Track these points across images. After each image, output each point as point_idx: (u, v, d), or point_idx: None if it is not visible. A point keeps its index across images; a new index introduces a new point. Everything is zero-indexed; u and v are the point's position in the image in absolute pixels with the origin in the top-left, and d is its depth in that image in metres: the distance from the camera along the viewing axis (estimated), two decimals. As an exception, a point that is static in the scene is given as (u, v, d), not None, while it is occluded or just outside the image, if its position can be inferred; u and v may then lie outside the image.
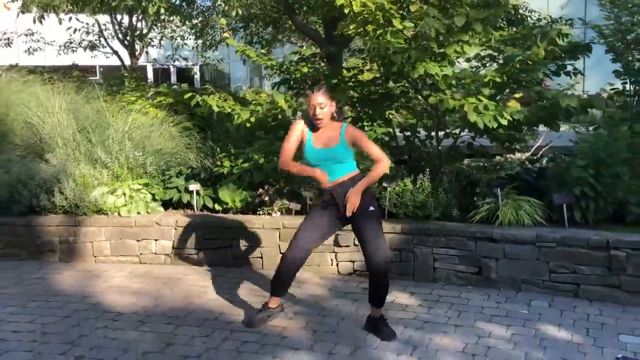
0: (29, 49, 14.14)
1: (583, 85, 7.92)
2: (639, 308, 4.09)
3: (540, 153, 6.51)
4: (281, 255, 3.77)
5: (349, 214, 3.56)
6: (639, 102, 5.15)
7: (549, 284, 4.40)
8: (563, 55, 5.05)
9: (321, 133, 3.66)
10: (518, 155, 6.22)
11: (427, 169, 5.24)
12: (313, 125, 3.68)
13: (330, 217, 3.69)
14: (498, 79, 4.61)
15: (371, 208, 3.62)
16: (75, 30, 12.91)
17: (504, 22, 7.81)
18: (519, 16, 8.29)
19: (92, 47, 13.61)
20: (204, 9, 12.94)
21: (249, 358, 3.39)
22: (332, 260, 4.97)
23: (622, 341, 3.59)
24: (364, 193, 3.59)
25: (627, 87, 5.17)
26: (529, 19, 8.62)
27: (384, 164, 3.58)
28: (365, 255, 3.60)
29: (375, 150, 3.61)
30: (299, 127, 3.68)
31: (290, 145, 3.66)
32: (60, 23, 10.00)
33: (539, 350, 3.46)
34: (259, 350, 3.49)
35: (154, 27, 12.77)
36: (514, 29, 6.89)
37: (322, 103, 3.57)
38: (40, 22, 9.82)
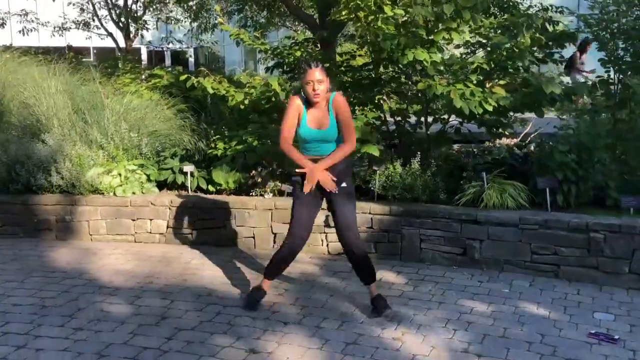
0: (23, 29, 14.12)
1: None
2: (615, 288, 4.27)
3: (528, 139, 6.66)
4: (282, 243, 3.89)
5: (331, 189, 3.62)
6: (622, 90, 5.28)
7: (531, 265, 4.57)
8: (550, 43, 5.18)
9: (315, 112, 3.70)
10: (506, 141, 6.37)
11: (417, 153, 5.38)
12: (307, 102, 3.73)
13: (315, 197, 3.77)
14: (485, 66, 4.74)
15: (343, 184, 3.69)
16: (69, 3, 12.87)
17: (496, 9, 7.91)
18: (511, 3, 8.39)
19: (86, 24, 13.59)
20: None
21: (241, 330, 3.55)
22: (322, 240, 5.12)
23: (596, 318, 3.77)
24: (341, 171, 3.67)
25: (611, 75, 5.30)
26: (520, 5, 8.71)
27: (348, 146, 3.66)
28: (337, 235, 3.75)
29: (350, 129, 3.66)
30: (297, 103, 3.70)
31: (290, 123, 3.69)
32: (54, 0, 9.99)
33: (517, 325, 3.64)
34: (250, 323, 3.65)
35: (148, 9, 12.77)
36: (505, 16, 7.00)
37: (320, 79, 3.60)
38: None
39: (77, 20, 13.92)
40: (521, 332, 3.55)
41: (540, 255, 4.54)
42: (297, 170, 3.74)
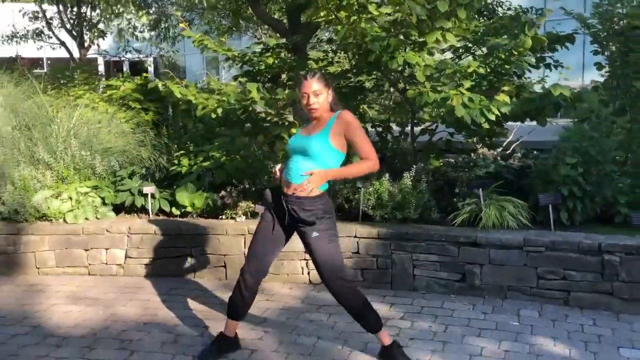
0: None
1: (582, 78, 7.73)
2: (634, 316, 3.83)
3: (511, 148, 6.27)
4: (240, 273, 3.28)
5: (301, 190, 2.98)
6: (622, 96, 4.90)
7: (537, 291, 4.11)
8: (553, 45, 4.78)
9: (312, 126, 3.15)
10: (490, 151, 5.95)
11: (403, 168, 4.89)
12: (307, 121, 3.20)
13: (276, 223, 3.19)
14: (482, 70, 4.27)
15: (314, 234, 3.07)
16: (20, 10, 12.03)
17: (473, 14, 7.57)
18: (490, 7, 8.08)
19: (39, 34, 12.74)
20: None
21: (215, 390, 2.96)
22: (302, 268, 4.57)
23: (623, 355, 3.31)
24: (314, 213, 3.05)
25: (611, 80, 4.92)
26: (498, 11, 8.42)
27: (370, 163, 3.03)
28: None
29: (366, 147, 3.04)
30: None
31: None
32: (3, 1, 9.19)
33: (537, 369, 3.15)
34: (226, 379, 3.06)
35: (105, 18, 12.03)
36: (487, 20, 6.62)
37: (316, 90, 3.05)
38: None
39: (28, 30, 13.06)
40: (544, 377, 3.07)
41: (548, 280, 4.08)
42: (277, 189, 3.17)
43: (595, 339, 3.52)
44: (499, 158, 5.74)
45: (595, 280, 3.98)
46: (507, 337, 3.55)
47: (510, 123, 5.86)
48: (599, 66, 4.99)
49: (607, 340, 3.50)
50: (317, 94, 3.06)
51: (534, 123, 4.63)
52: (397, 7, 3.97)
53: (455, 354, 3.34)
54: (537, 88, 4.88)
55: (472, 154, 6.00)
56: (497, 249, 4.17)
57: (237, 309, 3.27)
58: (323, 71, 5.24)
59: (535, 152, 6.01)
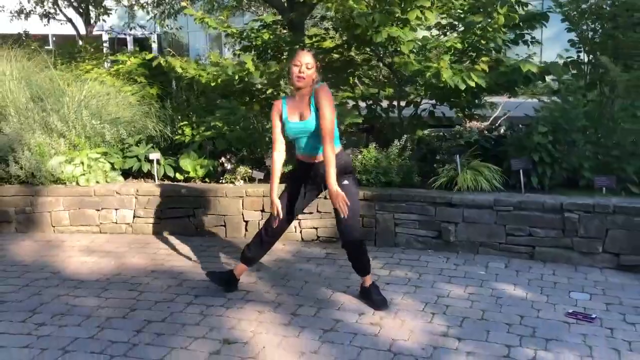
0: None
1: (541, 56, 8.09)
2: (590, 268, 4.27)
3: (498, 123, 6.65)
4: (261, 226, 3.78)
5: (344, 214, 3.40)
6: (592, 71, 5.28)
7: (506, 247, 4.54)
8: (522, 23, 5.14)
9: (296, 102, 3.53)
10: (477, 124, 6.34)
11: (391, 138, 5.29)
12: (285, 97, 3.62)
13: (306, 187, 3.67)
14: (459, 46, 4.66)
15: (344, 182, 3.52)
16: None
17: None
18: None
19: (46, 15, 13.09)
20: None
21: (213, 321, 3.41)
22: (295, 227, 5.00)
23: (572, 297, 3.75)
24: (341, 168, 3.49)
25: (582, 56, 5.29)
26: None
27: (328, 147, 3.33)
28: (338, 229, 3.64)
29: (322, 122, 3.36)
30: (276, 106, 3.57)
31: (275, 132, 3.58)
32: None
33: (495, 307, 3.59)
34: (223, 313, 3.52)
35: None
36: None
37: (309, 63, 3.44)
38: None
39: (36, 6, 13.36)
40: (500, 314, 3.51)
41: (515, 236, 4.51)
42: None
43: (552, 285, 3.97)
44: (485, 131, 6.14)
45: (557, 236, 4.41)
46: (473, 283, 4.00)
47: (497, 99, 6.27)
48: (572, 43, 5.36)
49: (561, 286, 3.95)
50: (309, 67, 3.45)
51: (520, 99, 5.02)
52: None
53: (424, 295, 3.79)
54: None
55: (460, 127, 6.41)
56: (470, 209, 4.60)
57: (250, 258, 3.78)
58: (316, 45, 5.65)
59: (520, 126, 6.41)
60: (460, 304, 3.64)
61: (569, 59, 5.32)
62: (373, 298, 3.63)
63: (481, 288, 3.91)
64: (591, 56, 5.26)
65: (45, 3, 13.08)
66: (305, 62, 3.45)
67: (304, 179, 3.68)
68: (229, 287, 3.83)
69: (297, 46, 5.34)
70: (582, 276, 4.13)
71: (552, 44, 10.21)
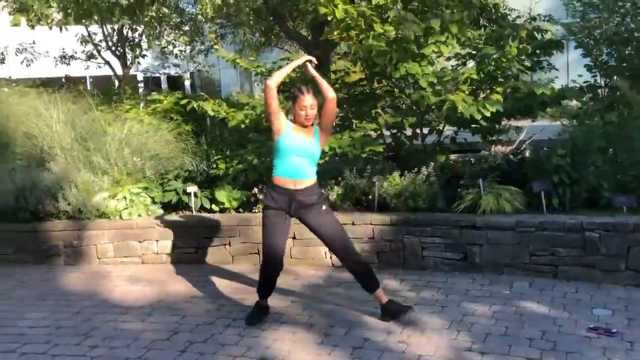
0: (25, 60, 14.27)
1: (567, 79, 8.28)
2: (613, 285, 4.38)
3: (523, 147, 6.82)
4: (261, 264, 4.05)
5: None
6: (609, 93, 5.45)
7: (530, 266, 4.69)
8: (538, 51, 5.36)
9: (301, 128, 3.83)
10: (502, 148, 6.52)
11: (415, 165, 5.52)
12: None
13: (286, 218, 3.91)
14: (475, 76, 4.91)
15: (324, 207, 3.89)
16: (83, 39, 13.02)
17: (486, 21, 8.13)
18: (499, 14, 8.61)
19: (91, 56, 13.75)
20: (192, 16, 13.20)
21: (250, 341, 3.66)
22: (325, 253, 5.23)
23: (595, 314, 3.88)
24: (321, 194, 3.89)
25: (598, 80, 5.47)
26: (509, 17, 8.94)
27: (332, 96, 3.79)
28: (332, 251, 3.96)
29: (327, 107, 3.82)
30: (282, 115, 3.82)
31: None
32: (56, 29, 10.08)
33: (518, 324, 3.75)
34: (259, 334, 3.76)
35: (148, 39, 12.98)
36: (494, 28, 7.20)
37: (312, 104, 3.76)
38: (32, 28, 9.91)
39: (82, 52, 14.06)
40: (522, 330, 3.66)
41: (539, 256, 4.66)
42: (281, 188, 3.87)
43: (574, 302, 4.10)
44: (510, 155, 6.32)
45: (579, 255, 4.54)
46: (498, 302, 4.16)
47: (523, 123, 6.46)
48: (588, 68, 5.55)
49: (583, 303, 4.08)
50: (312, 108, 3.77)
51: (545, 122, 5.23)
52: (398, 26, 4.65)
53: (450, 314, 3.97)
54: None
55: (485, 152, 6.61)
56: (494, 231, 4.77)
57: (264, 291, 4.04)
58: (340, 81, 5.96)
59: (545, 149, 6.57)
60: (485, 322, 3.81)
61: (585, 83, 5.50)
62: (394, 309, 3.84)
63: (505, 306, 4.07)
64: (607, 79, 5.43)
65: (85, 48, 13.77)
66: (309, 104, 3.76)
67: (284, 208, 3.86)
68: (264, 315, 4.04)
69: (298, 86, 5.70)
70: (604, 293, 4.25)
71: (576, 67, 10.37)
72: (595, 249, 4.49)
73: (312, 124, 3.86)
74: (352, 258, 3.94)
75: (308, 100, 3.75)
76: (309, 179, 3.84)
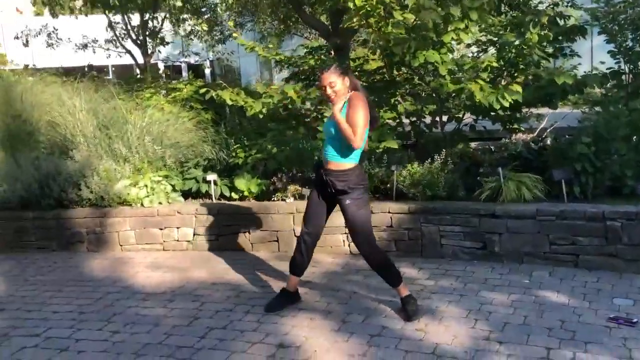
0: (47, 43, 14.45)
1: (591, 65, 8.16)
2: (635, 275, 4.33)
3: (544, 134, 6.73)
4: (296, 237, 4.03)
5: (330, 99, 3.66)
6: (634, 80, 5.35)
7: (550, 255, 4.65)
8: (560, 37, 5.27)
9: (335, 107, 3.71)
10: (523, 136, 6.45)
11: (434, 152, 5.49)
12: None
13: (322, 195, 3.87)
14: (495, 64, 4.85)
15: (347, 201, 3.71)
16: (110, 25, 13.16)
17: (507, 7, 8.01)
18: (521, 0, 8.47)
19: (110, 41, 13.90)
20: (212, 5, 13.26)
21: (269, 327, 3.70)
22: (343, 241, 5.25)
23: (615, 304, 3.84)
24: (350, 183, 3.69)
25: (622, 66, 5.37)
26: (531, 2, 8.80)
27: (351, 140, 3.57)
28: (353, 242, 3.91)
29: (353, 128, 3.55)
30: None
31: None
32: (78, 18, 10.20)
33: (537, 313, 3.73)
34: (277, 321, 3.80)
35: (170, 24, 13.08)
36: (515, 14, 7.10)
37: (332, 82, 3.63)
38: (54, 17, 10.04)
39: (107, 39, 14.22)
40: (541, 319, 3.64)
41: (559, 245, 4.62)
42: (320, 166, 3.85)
43: (595, 292, 4.06)
44: (531, 143, 6.24)
45: (601, 244, 4.49)
46: (517, 291, 4.14)
47: (544, 110, 6.37)
48: (612, 54, 5.44)
49: (604, 293, 4.04)
50: (332, 86, 3.65)
51: (566, 110, 5.15)
52: (417, 14, 4.60)
53: (469, 303, 3.96)
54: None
55: (505, 140, 6.54)
56: (514, 219, 4.74)
57: (297, 266, 4.02)
58: (359, 68, 5.93)
59: (567, 137, 6.48)
60: (503, 311, 3.80)
61: (608, 70, 5.40)
62: (406, 309, 3.77)
63: (524, 295, 4.05)
64: (631, 66, 5.33)
65: (107, 36, 13.93)
66: (329, 83, 3.65)
67: (319, 185, 3.87)
68: (292, 302, 4.04)
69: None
70: (627, 283, 4.20)
71: (600, 53, 10.18)
72: (617, 238, 4.43)
73: (344, 103, 3.69)
74: (367, 259, 3.90)
75: (326, 78, 3.65)
76: (332, 161, 3.73)
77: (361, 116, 3.61)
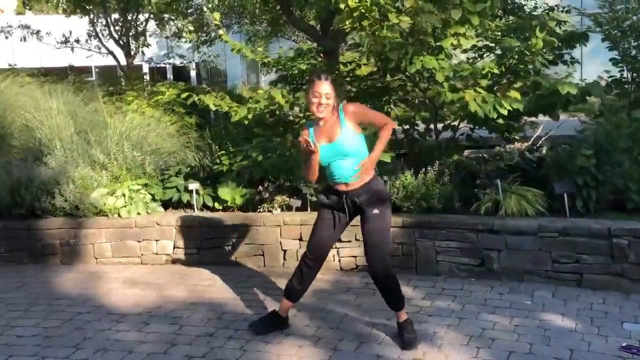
0: (24, 38, 13.97)
1: (581, 73, 7.97)
2: (643, 296, 4.09)
3: (539, 143, 6.51)
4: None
5: (359, 174, 3.41)
6: (636, 89, 5.13)
7: (552, 274, 4.40)
8: (560, 44, 5.03)
9: (322, 127, 3.47)
10: (517, 145, 6.21)
11: (429, 162, 5.23)
12: (311, 124, 3.56)
13: (339, 217, 3.59)
14: (495, 71, 4.59)
15: (375, 211, 3.47)
16: (92, 22, 12.74)
17: (501, 11, 7.79)
18: (515, 4, 8.27)
19: (98, 40, 13.43)
20: (198, 6, 12.93)
21: (253, 356, 3.39)
22: (334, 256, 4.96)
23: (625, 329, 3.59)
24: (375, 194, 3.47)
25: (625, 74, 5.15)
26: (525, 7, 8.60)
27: (389, 126, 3.53)
28: (365, 258, 3.58)
29: (379, 118, 3.60)
30: (303, 137, 3.42)
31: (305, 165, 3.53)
32: (59, 17, 9.88)
33: (543, 340, 3.46)
34: (262, 348, 3.49)
35: (155, 24, 12.73)
36: (510, 18, 6.87)
37: (328, 93, 3.39)
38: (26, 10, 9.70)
39: (88, 33, 13.75)
40: (548, 347, 3.38)
41: (562, 263, 4.37)
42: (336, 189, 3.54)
43: (602, 315, 3.81)
44: (526, 152, 6.01)
45: (606, 263, 4.24)
46: (519, 314, 3.87)
47: (538, 118, 6.14)
48: (615, 61, 5.22)
49: (613, 316, 3.79)
50: (328, 97, 3.39)
51: (563, 118, 4.91)
52: (415, 17, 4.33)
53: (469, 327, 3.68)
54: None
55: (499, 148, 6.30)
56: (513, 235, 4.48)
57: (293, 292, 3.71)
58: (351, 74, 5.66)
59: (563, 146, 6.25)
60: (506, 337, 3.53)
61: (610, 78, 5.18)
62: (403, 336, 3.48)
63: (527, 319, 3.78)
64: (634, 74, 5.11)
65: (92, 32, 13.48)
66: (325, 93, 3.39)
67: (336, 209, 3.58)
68: (279, 328, 3.72)
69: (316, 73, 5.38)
70: (634, 305, 3.96)
71: (591, 60, 10.02)
72: (623, 257, 4.19)
73: (337, 114, 3.44)
74: (375, 276, 3.59)
75: (325, 87, 3.38)
76: (355, 180, 3.48)
77: (369, 109, 3.73)
